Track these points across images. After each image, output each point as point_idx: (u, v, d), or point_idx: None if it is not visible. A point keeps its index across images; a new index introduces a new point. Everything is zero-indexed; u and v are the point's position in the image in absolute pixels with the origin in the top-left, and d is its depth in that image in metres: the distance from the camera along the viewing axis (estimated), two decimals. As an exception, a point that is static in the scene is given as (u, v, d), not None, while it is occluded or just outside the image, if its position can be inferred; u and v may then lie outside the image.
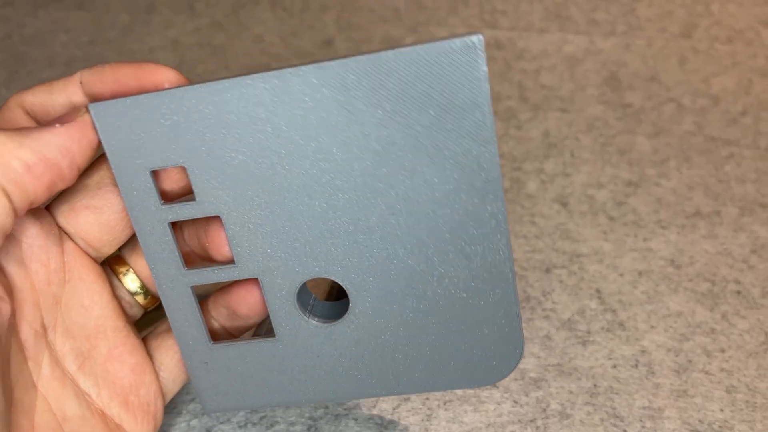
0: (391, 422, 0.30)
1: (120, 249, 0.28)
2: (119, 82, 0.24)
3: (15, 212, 0.22)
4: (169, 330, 0.28)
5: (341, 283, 0.26)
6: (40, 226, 0.25)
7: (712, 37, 0.57)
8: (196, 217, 0.25)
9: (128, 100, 0.24)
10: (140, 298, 0.28)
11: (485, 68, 0.22)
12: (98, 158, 0.26)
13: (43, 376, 0.25)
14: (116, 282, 0.28)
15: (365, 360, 0.27)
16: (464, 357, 0.27)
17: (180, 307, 0.27)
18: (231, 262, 0.26)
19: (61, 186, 0.23)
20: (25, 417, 0.24)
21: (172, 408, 0.31)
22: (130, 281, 0.28)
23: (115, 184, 0.26)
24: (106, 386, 0.26)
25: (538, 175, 0.44)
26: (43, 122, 0.25)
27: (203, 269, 0.26)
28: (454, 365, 0.27)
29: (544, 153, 0.46)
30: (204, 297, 0.28)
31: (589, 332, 0.34)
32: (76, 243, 0.26)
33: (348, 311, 0.26)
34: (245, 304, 0.27)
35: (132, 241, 0.28)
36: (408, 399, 0.31)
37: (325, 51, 0.57)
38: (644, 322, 0.35)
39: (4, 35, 0.60)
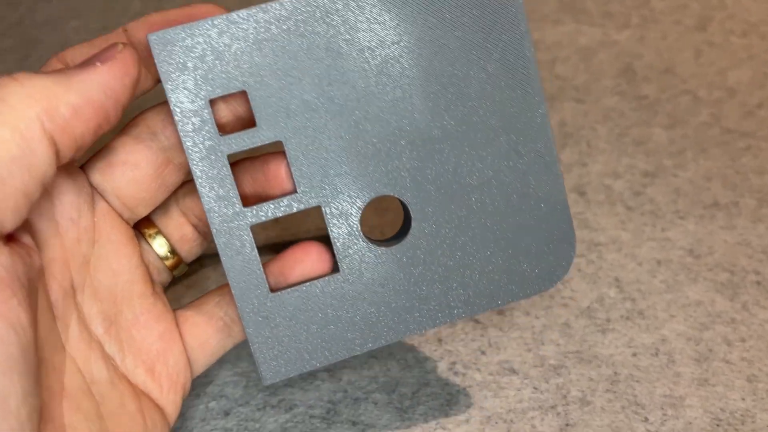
0: (411, 407, 0.30)
1: (150, 213, 0.28)
2: (170, 21, 0.24)
3: (59, 160, 0.22)
4: (198, 308, 0.28)
5: (402, 199, 0.26)
6: (73, 182, 0.25)
7: (726, 30, 0.57)
8: (256, 145, 0.25)
9: (188, 26, 0.24)
10: (170, 263, 0.28)
11: None
12: (134, 117, 0.26)
13: (71, 337, 0.24)
14: (145, 246, 0.27)
15: (431, 283, 0.27)
16: (523, 260, 0.27)
17: (237, 252, 0.25)
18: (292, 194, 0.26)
19: (106, 128, 0.23)
20: (54, 377, 0.23)
21: (190, 390, 0.31)
22: (159, 245, 0.27)
23: (153, 139, 0.26)
24: (131, 352, 0.26)
25: (555, 164, 0.44)
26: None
27: (263, 204, 0.25)
28: (516, 272, 0.27)
29: (560, 142, 0.45)
30: None
31: (608, 320, 0.34)
32: (109, 203, 0.26)
33: (410, 229, 0.26)
34: (300, 267, 0.26)
35: (163, 202, 0.27)
36: (428, 384, 0.31)
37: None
38: (664, 311, 0.35)
39: (16, 20, 0.59)
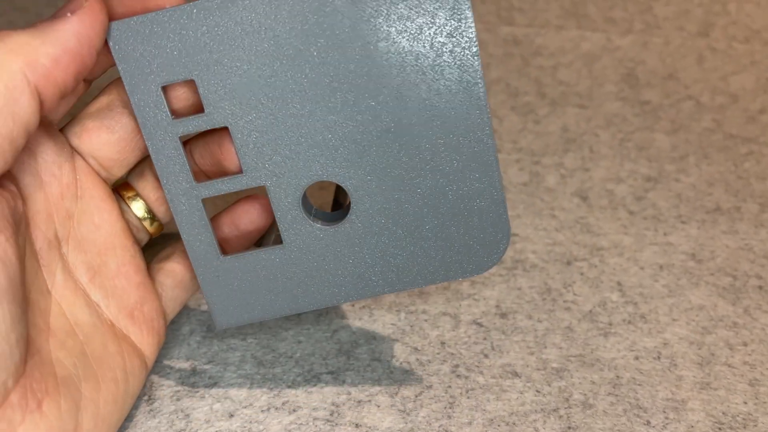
0: (414, 409, 0.30)
1: (128, 176, 0.30)
2: (125, 5, 0.26)
3: (45, 107, 0.24)
4: (169, 256, 0.31)
5: (342, 185, 0.28)
6: (54, 142, 0.27)
7: (729, 36, 0.57)
8: (204, 129, 0.27)
9: (141, 18, 0.26)
10: (147, 224, 0.30)
11: None
12: (108, 84, 0.29)
13: (57, 284, 0.27)
14: (124, 207, 0.30)
15: (368, 260, 0.29)
16: (457, 247, 0.29)
17: (191, 221, 0.28)
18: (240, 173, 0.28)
19: (84, 72, 0.24)
20: (41, 317, 0.26)
21: (194, 392, 0.31)
22: (137, 208, 0.30)
23: (125, 106, 0.28)
24: (115, 299, 0.28)
25: (558, 169, 0.44)
26: None
27: (213, 181, 0.28)
28: (448, 256, 0.29)
29: (563, 148, 0.46)
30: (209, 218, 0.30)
31: (610, 324, 0.34)
32: (88, 163, 0.28)
33: (350, 212, 0.28)
34: (247, 217, 0.30)
35: (139, 167, 0.30)
36: (430, 386, 0.31)
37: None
38: (666, 315, 0.35)
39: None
